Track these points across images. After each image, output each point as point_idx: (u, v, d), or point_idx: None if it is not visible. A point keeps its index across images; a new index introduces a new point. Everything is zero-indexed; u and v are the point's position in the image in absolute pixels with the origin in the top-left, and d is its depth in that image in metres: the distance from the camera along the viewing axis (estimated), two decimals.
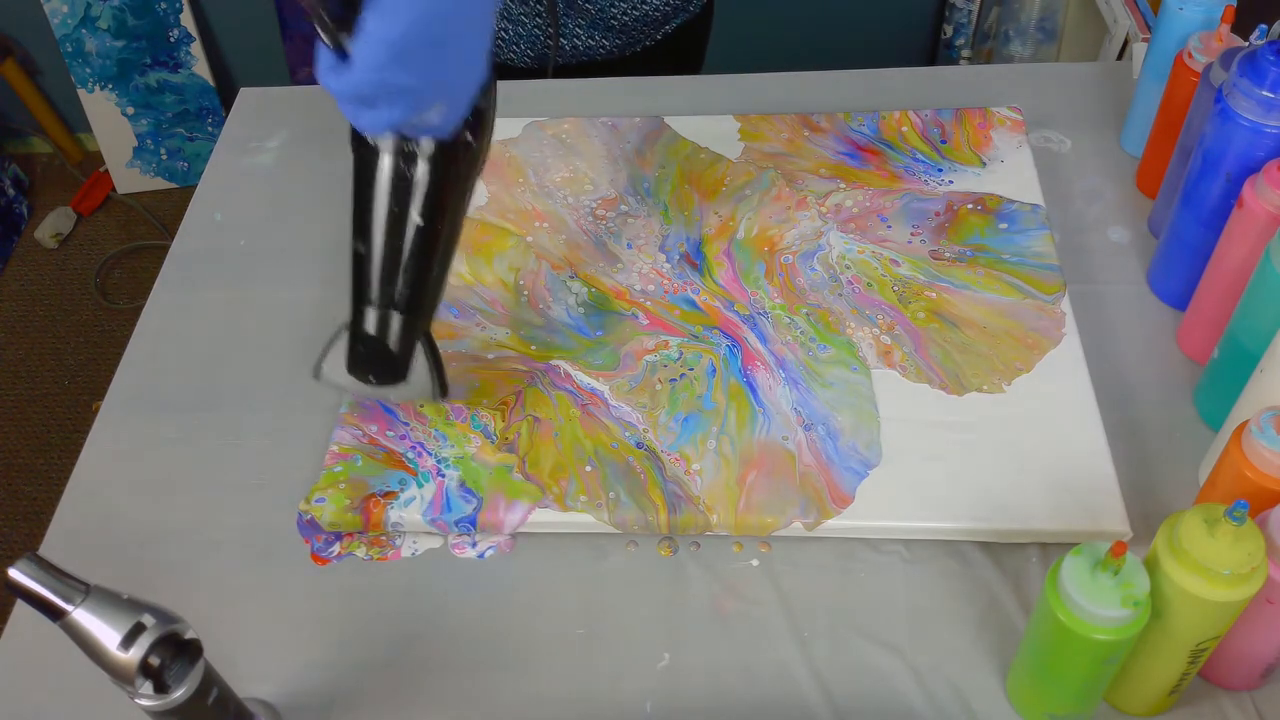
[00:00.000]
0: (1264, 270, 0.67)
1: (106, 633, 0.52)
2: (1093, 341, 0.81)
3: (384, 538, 0.75)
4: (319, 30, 0.58)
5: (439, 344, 0.83)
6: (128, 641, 0.52)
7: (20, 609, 0.72)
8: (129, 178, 2.17)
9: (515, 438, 0.77)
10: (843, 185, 0.92)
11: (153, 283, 0.93)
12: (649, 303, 0.85)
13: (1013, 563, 0.71)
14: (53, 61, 2.10)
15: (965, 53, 1.87)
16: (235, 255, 0.94)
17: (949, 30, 1.87)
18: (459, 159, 0.66)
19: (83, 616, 0.52)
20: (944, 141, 0.95)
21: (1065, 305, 0.82)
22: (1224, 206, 0.75)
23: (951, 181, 0.92)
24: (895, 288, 0.85)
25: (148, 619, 0.53)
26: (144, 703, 0.54)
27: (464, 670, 0.69)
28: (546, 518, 0.73)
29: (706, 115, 0.99)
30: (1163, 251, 0.84)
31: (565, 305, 0.85)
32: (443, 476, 0.75)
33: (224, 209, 0.98)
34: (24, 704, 0.69)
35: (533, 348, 0.83)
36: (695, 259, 0.88)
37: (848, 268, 0.86)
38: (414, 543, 0.74)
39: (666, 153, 0.96)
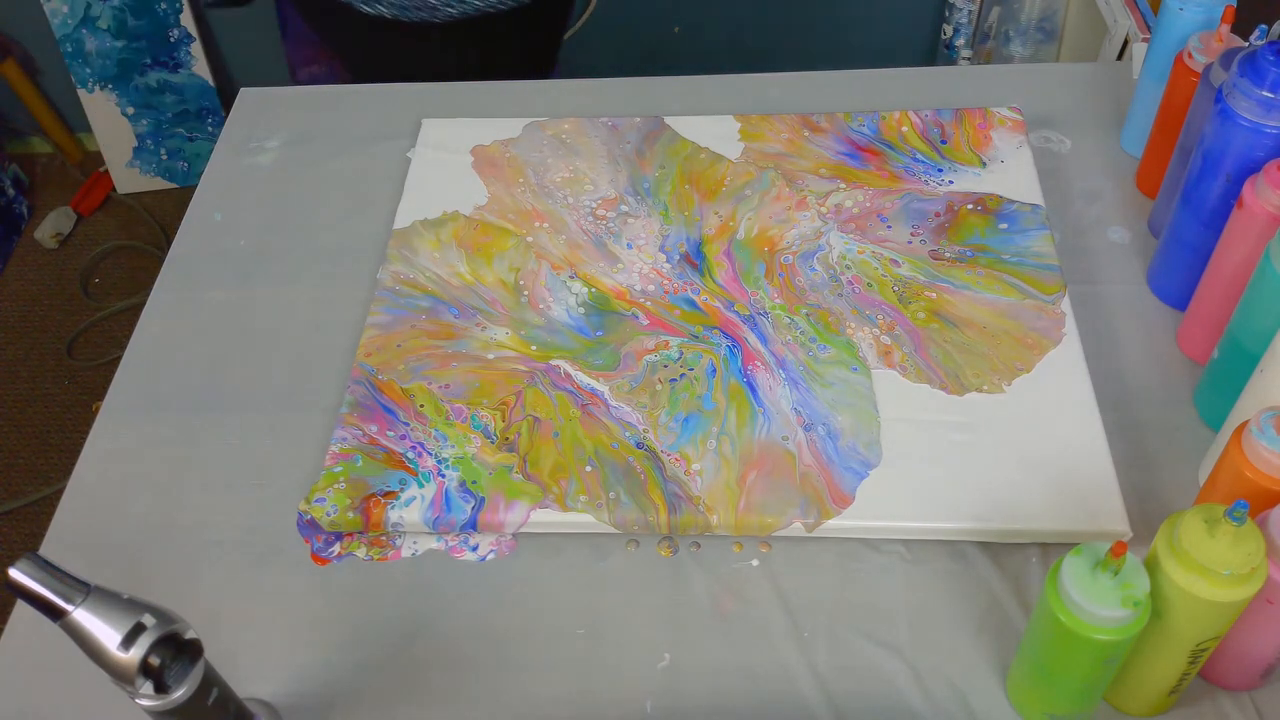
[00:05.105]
0: (1264, 270, 0.67)
1: (107, 633, 0.52)
2: (1093, 341, 0.81)
3: (384, 538, 0.75)
4: None
5: (439, 344, 0.83)
6: (128, 641, 0.52)
7: (20, 609, 0.72)
8: (129, 178, 2.17)
9: (515, 438, 0.77)
10: (843, 185, 0.92)
11: (138, 283, 0.92)
12: (649, 303, 0.85)
13: (1013, 563, 0.71)
14: (53, 61, 2.10)
15: (965, 53, 1.87)
16: (235, 255, 0.94)
17: (949, 30, 1.87)
18: None
19: (83, 616, 0.52)
20: (944, 142, 0.95)
21: (1065, 305, 0.82)
22: (1224, 206, 0.75)
23: (952, 182, 0.92)
24: (895, 288, 0.85)
25: (148, 619, 0.53)
26: (144, 703, 0.54)
27: (464, 670, 0.69)
28: (547, 518, 0.73)
29: (706, 115, 0.99)
30: (1163, 251, 0.84)
31: (565, 305, 0.85)
32: (443, 477, 0.75)
33: (224, 209, 0.98)
34: (24, 704, 0.69)
35: (533, 348, 0.83)
36: (695, 259, 0.88)
37: (848, 268, 0.86)
38: (414, 543, 0.74)
39: (666, 153, 0.96)
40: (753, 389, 0.79)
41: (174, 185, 2.19)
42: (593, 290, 0.86)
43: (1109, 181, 0.94)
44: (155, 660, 0.53)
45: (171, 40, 2.03)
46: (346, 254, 0.93)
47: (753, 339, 0.82)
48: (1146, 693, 0.63)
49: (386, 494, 0.74)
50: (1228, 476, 0.62)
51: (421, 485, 0.75)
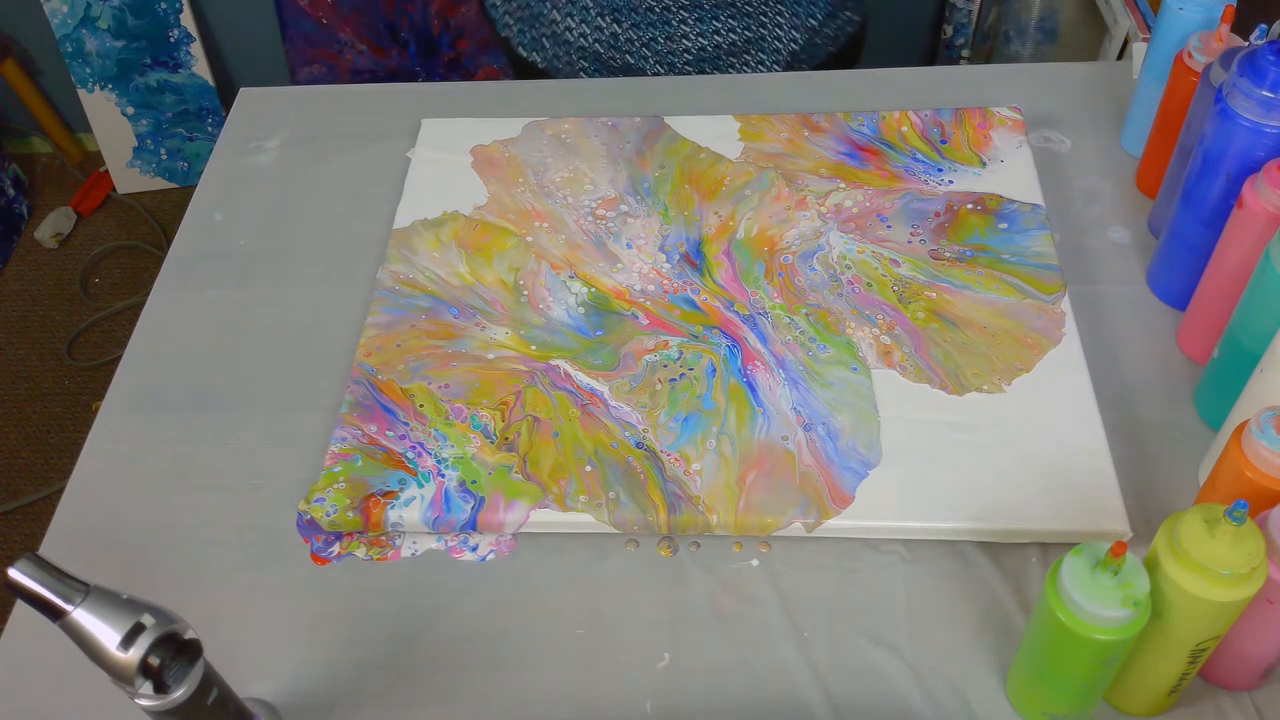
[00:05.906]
0: (1264, 270, 0.67)
1: (106, 633, 0.52)
2: (1093, 341, 0.81)
3: (384, 538, 0.75)
4: None
5: (439, 344, 0.83)
6: (128, 641, 0.52)
7: (20, 609, 0.72)
8: (129, 178, 2.17)
9: (515, 438, 0.77)
10: (843, 185, 0.92)
11: (138, 283, 0.93)
12: (649, 303, 0.85)
13: (1013, 563, 0.71)
14: (53, 61, 2.10)
15: (965, 53, 1.87)
16: (235, 255, 0.94)
17: (949, 30, 1.87)
18: None
19: (83, 616, 0.52)
20: (944, 141, 0.95)
21: (1065, 305, 0.82)
22: (1224, 206, 0.75)
23: (951, 181, 0.92)
24: (895, 288, 0.85)
25: (148, 619, 0.53)
26: (144, 703, 0.54)
27: (464, 670, 0.69)
28: (546, 518, 0.73)
29: (706, 115, 0.99)
30: (1163, 251, 0.84)
31: (565, 305, 0.85)
32: (443, 477, 0.75)
33: (224, 209, 0.98)
34: (24, 704, 0.69)
35: (533, 348, 0.83)
36: (695, 259, 0.88)
37: (848, 268, 0.86)
38: (414, 543, 0.74)
39: (666, 153, 0.96)
40: (752, 389, 0.79)
41: (174, 185, 2.20)
42: (593, 290, 0.86)
43: (1109, 181, 0.94)
44: (155, 660, 0.53)
45: (171, 40, 2.04)
46: (346, 254, 0.93)
47: (752, 339, 0.82)
48: (1146, 693, 0.63)
49: (386, 494, 0.74)
50: (1228, 476, 0.62)
51: (421, 485, 0.75)
